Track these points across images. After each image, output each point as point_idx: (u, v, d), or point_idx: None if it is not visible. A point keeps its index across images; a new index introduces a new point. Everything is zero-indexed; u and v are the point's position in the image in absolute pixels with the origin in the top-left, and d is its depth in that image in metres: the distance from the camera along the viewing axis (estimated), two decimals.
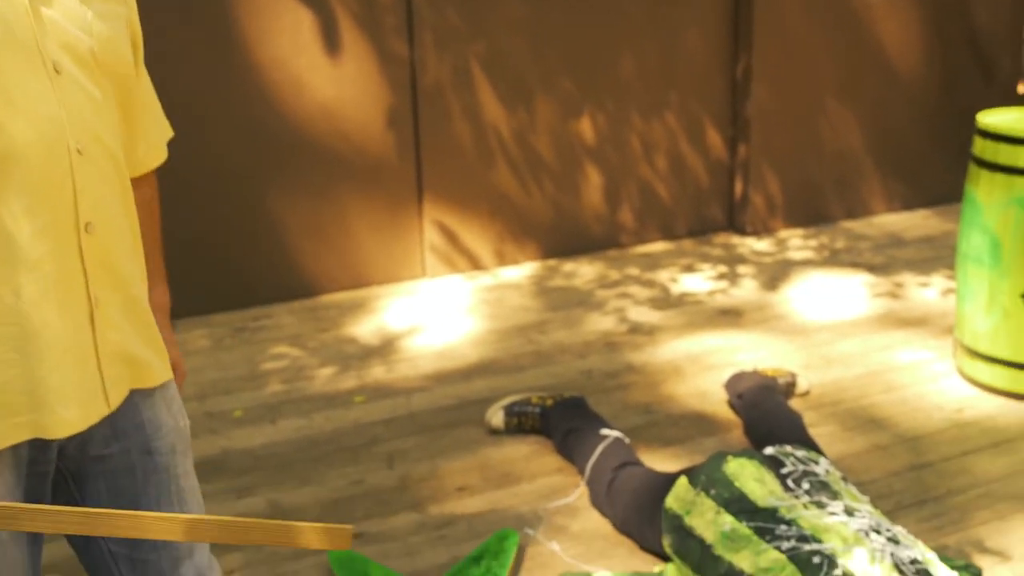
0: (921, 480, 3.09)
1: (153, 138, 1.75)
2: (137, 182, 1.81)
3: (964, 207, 3.60)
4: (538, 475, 3.16)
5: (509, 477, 3.16)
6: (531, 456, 3.27)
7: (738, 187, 5.38)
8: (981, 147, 3.50)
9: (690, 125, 5.23)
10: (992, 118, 3.63)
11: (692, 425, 3.43)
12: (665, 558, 2.71)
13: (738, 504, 2.46)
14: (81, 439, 1.56)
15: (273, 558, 2.79)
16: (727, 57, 5.25)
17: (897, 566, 2.21)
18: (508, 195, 4.90)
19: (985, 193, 3.48)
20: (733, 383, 3.46)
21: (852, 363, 3.87)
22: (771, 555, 2.27)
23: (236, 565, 2.76)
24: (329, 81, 4.46)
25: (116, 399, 1.55)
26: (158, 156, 1.78)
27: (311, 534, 1.51)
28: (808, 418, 3.46)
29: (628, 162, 5.12)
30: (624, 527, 2.77)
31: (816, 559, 2.22)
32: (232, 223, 4.44)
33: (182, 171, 4.33)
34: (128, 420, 1.61)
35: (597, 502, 2.91)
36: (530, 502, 3.02)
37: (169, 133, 1.79)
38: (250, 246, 4.50)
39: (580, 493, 3.05)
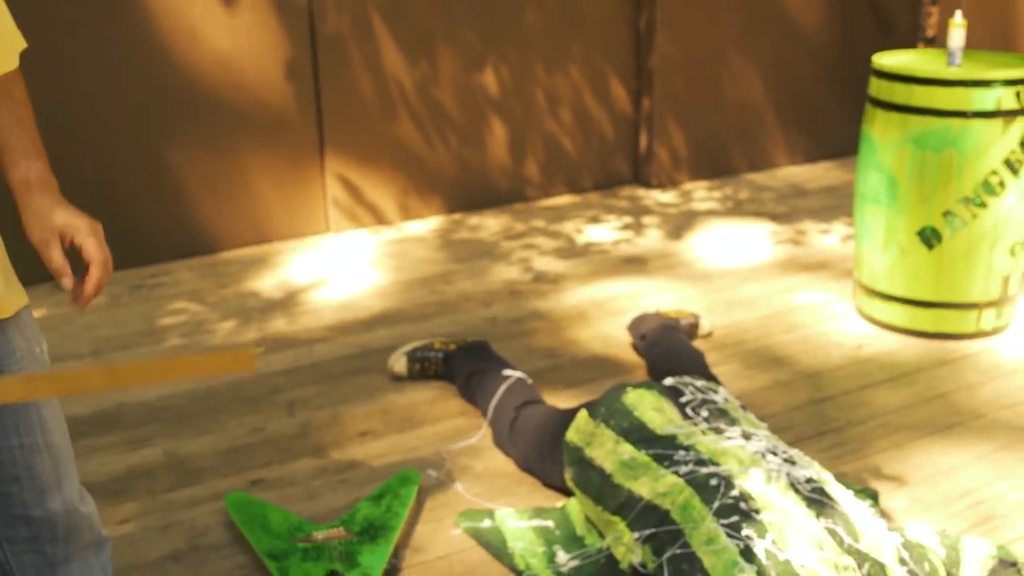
0: (821, 413, 3.12)
1: None
2: None
3: (861, 147, 3.63)
4: (441, 419, 3.13)
5: (412, 421, 3.12)
6: (434, 400, 3.24)
7: (643, 140, 5.39)
8: (877, 87, 3.53)
9: (594, 78, 5.21)
10: (888, 59, 3.67)
11: (596, 367, 3.42)
12: (567, 494, 2.70)
13: (637, 433, 2.45)
14: None
15: (168, 505, 2.73)
16: (630, 9, 5.24)
17: (793, 485, 2.22)
18: (411, 148, 4.84)
19: (881, 133, 3.51)
20: (636, 324, 3.46)
21: (754, 306, 3.90)
22: (669, 480, 2.27)
23: (130, 514, 2.68)
24: (224, 31, 4.35)
25: None
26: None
27: (214, 361, 1.45)
28: (711, 358, 3.48)
29: (532, 115, 5.09)
30: (526, 464, 2.75)
31: (713, 481, 2.22)
32: (126, 179, 4.32)
33: (73, 126, 4.19)
34: None
35: (500, 442, 2.89)
36: (433, 444, 2.99)
37: (21, 44, 1.68)
38: (146, 203, 4.38)
39: (483, 434, 3.02)
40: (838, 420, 3.08)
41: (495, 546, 2.48)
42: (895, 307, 3.62)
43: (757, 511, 2.14)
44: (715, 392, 2.65)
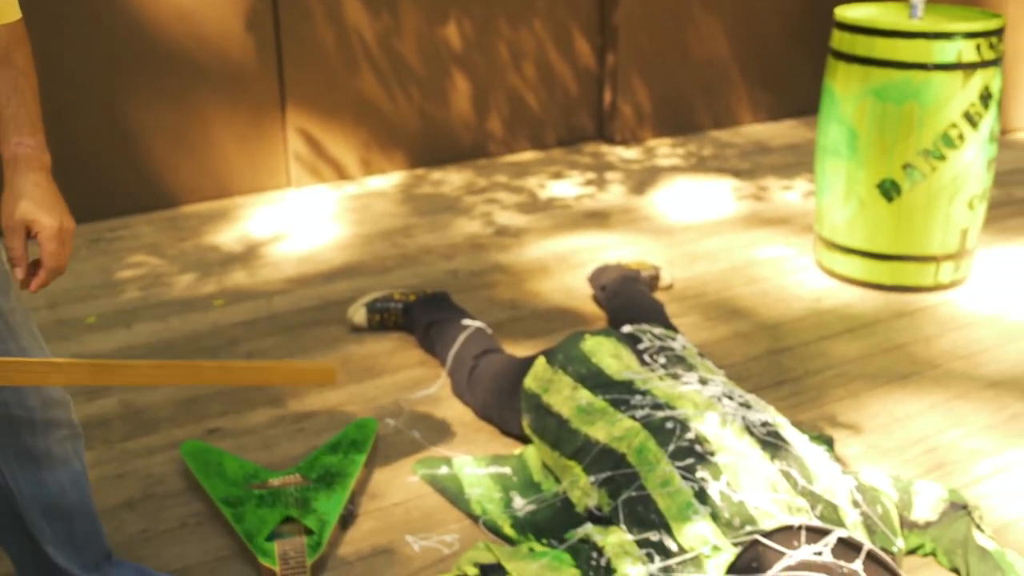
0: (779, 363, 3.14)
1: None
2: None
3: (822, 100, 3.63)
4: (400, 369, 3.12)
5: (371, 371, 3.11)
6: (393, 351, 3.22)
7: (607, 96, 5.37)
8: (839, 39, 3.52)
9: (558, 32, 5.18)
10: (850, 11, 3.66)
11: (557, 319, 3.42)
12: (525, 441, 2.70)
13: (594, 379, 2.45)
14: None
15: (124, 455, 2.71)
16: None
17: (748, 428, 2.23)
18: (374, 103, 4.80)
19: (842, 85, 3.51)
20: (596, 276, 3.46)
21: (716, 259, 3.91)
22: (625, 424, 2.27)
23: (87, 462, 2.66)
24: None
25: None
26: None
27: (295, 371, 1.47)
28: (671, 309, 3.48)
29: (496, 70, 5.06)
30: (485, 412, 2.75)
31: (669, 424, 2.22)
32: (85, 132, 4.26)
33: None
34: None
35: (459, 390, 2.88)
36: (391, 394, 2.98)
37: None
38: (105, 155, 4.33)
39: (442, 383, 3.02)
40: (796, 370, 3.10)
41: (452, 492, 2.48)
42: (854, 260, 3.64)
43: (712, 453, 2.14)
44: (673, 339, 2.65)
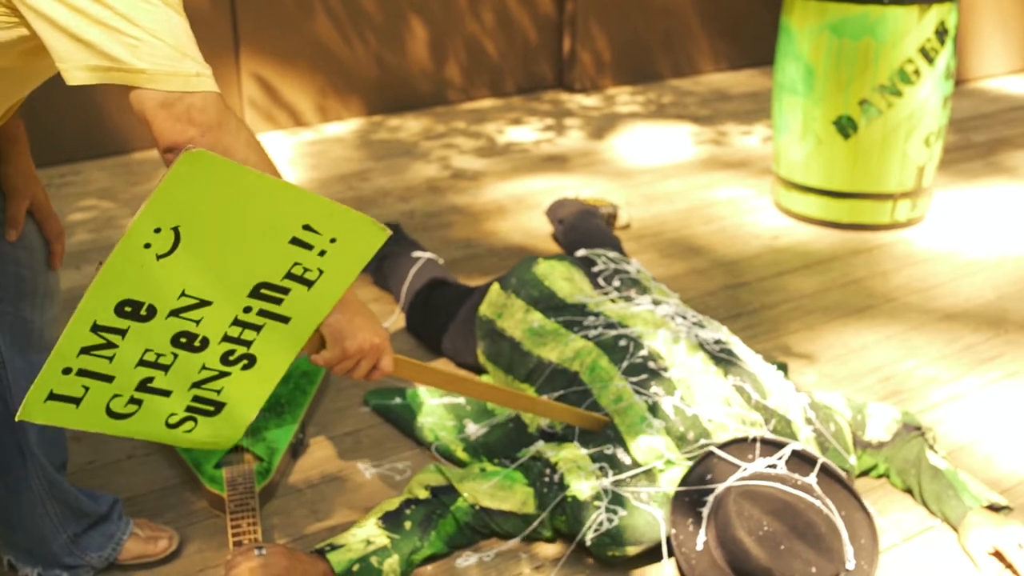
0: (736, 297, 3.13)
1: None
2: None
3: (779, 38, 3.61)
4: None
5: None
6: None
7: (566, 44, 5.32)
8: None
9: None
10: None
11: (513, 256, 3.39)
12: (480, 372, 2.68)
13: (546, 302, 2.43)
14: None
15: None
16: None
17: (701, 345, 2.22)
18: (330, 48, 4.74)
19: (799, 21, 3.49)
20: (554, 209, 3.43)
21: (673, 200, 3.89)
22: (577, 344, 2.25)
23: None
24: None
25: None
26: None
27: (572, 413, 1.93)
28: (629, 248, 3.46)
29: (454, 16, 5.00)
30: (439, 343, 2.72)
31: (622, 342, 2.20)
32: None
33: None
34: None
35: (412, 324, 2.85)
36: None
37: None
38: (56, 101, 4.23)
39: (395, 319, 2.98)
40: (752, 303, 3.09)
41: (404, 421, 2.45)
42: (811, 198, 3.63)
43: (665, 369, 2.13)
44: (627, 263, 2.63)
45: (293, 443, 2.35)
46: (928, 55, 3.38)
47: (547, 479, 2.02)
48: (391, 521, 1.98)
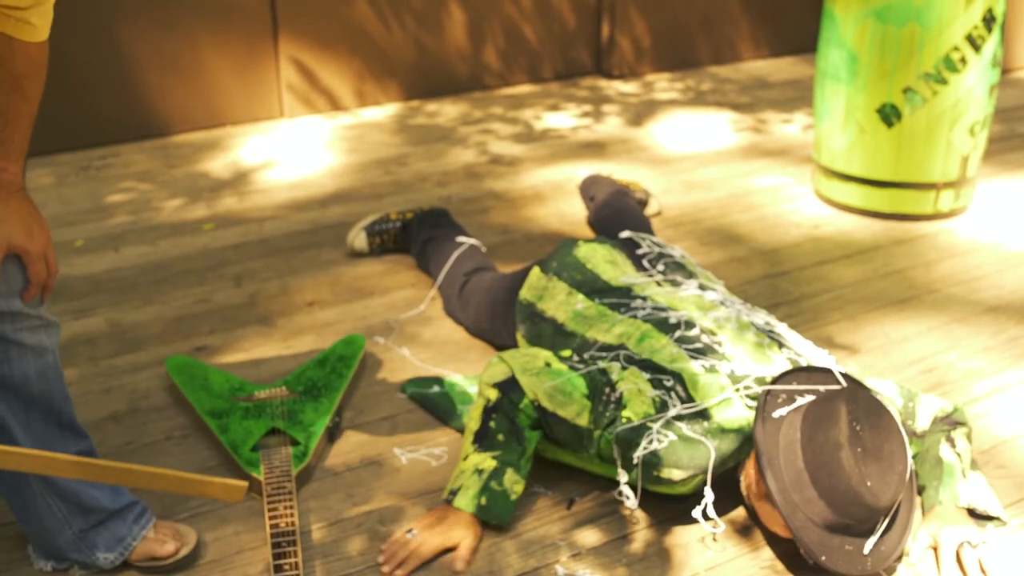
0: (776, 286, 3.10)
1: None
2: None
3: (822, 23, 3.57)
4: (391, 290, 3.08)
5: (361, 292, 3.07)
6: (385, 273, 3.18)
7: (605, 29, 5.29)
8: None
9: None
10: None
11: (550, 242, 3.37)
12: None
13: (590, 284, 2.40)
14: None
15: (110, 371, 2.67)
16: None
17: (752, 324, 2.20)
18: (368, 32, 4.73)
19: (843, 7, 3.44)
20: (587, 186, 3.40)
21: (712, 187, 3.86)
22: (625, 322, 2.23)
23: (71, 379, 2.63)
24: None
25: None
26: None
27: (202, 484, 1.63)
28: (666, 235, 3.43)
29: (492, 1, 4.97)
30: (477, 326, 2.71)
31: (672, 320, 2.19)
32: (76, 58, 4.18)
33: None
34: None
35: (450, 308, 2.84)
36: (382, 314, 2.94)
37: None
38: (95, 82, 4.26)
39: (431, 301, 2.97)
40: (792, 293, 3.06)
41: (443, 410, 2.44)
42: (853, 187, 3.58)
43: (719, 344, 2.12)
44: (671, 248, 2.60)
45: (330, 427, 2.35)
46: (975, 43, 3.33)
47: (605, 397, 2.03)
48: (484, 441, 2.06)
